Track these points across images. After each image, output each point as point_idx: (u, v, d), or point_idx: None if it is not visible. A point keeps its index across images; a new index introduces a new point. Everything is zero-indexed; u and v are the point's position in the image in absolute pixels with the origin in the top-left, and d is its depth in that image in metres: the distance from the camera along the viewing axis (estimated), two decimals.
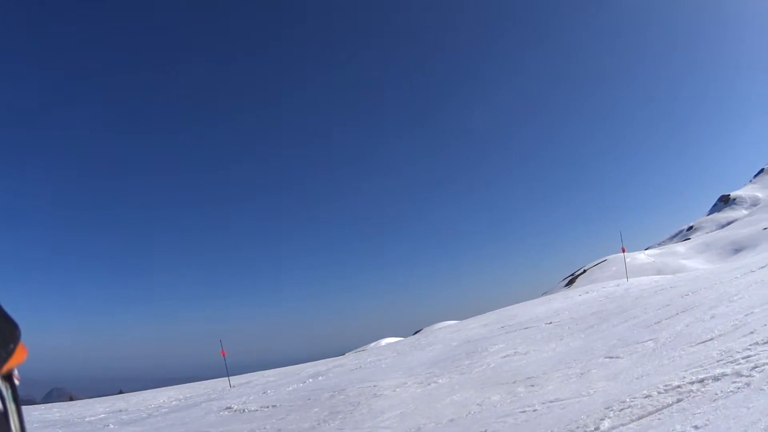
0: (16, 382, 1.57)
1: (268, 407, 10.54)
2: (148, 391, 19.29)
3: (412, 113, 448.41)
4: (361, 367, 13.89)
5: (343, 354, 28.04)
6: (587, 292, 18.21)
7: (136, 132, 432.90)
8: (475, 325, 16.86)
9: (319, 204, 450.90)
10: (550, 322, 13.10)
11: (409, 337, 29.57)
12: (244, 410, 10.70)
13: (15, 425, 1.50)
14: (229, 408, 11.09)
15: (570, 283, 45.01)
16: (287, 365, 20.60)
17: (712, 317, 8.19)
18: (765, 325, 6.41)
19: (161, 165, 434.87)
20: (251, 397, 12.15)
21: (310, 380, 13.08)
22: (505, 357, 10.36)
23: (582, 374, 7.47)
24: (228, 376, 16.41)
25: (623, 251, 24.12)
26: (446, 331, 18.77)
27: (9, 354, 1.33)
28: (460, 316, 32.40)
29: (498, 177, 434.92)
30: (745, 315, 7.37)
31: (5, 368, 1.31)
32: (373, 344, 42.03)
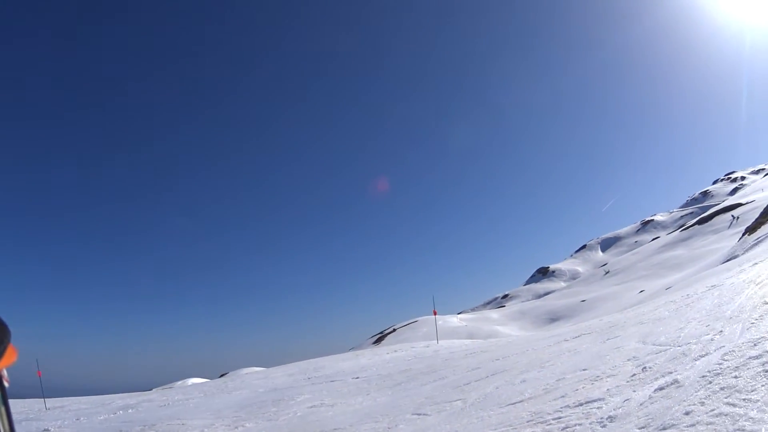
0: (6, 384, 1.80)
1: None
2: None
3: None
4: (168, 404, 15.21)
5: (150, 389, 30.90)
6: (396, 351, 20.53)
7: None
8: (280, 374, 18.22)
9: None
10: (357, 377, 14.30)
11: (215, 380, 32.40)
12: None
13: (4, 427, 1.71)
14: (47, 430, 12.18)
15: (379, 340, 49.02)
16: (97, 393, 22.74)
17: (523, 381, 8.90)
18: (576, 390, 7.08)
19: None
20: (66, 422, 13.24)
21: (121, 412, 14.32)
22: (311, 407, 11.29)
23: (389, 429, 8.03)
24: (44, 397, 18.19)
25: (435, 314, 25.94)
26: (252, 377, 20.31)
27: None
28: (266, 364, 36.92)
29: (307, 232, 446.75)
30: (557, 380, 8.10)
31: None
32: (180, 382, 45.17)
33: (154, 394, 20.39)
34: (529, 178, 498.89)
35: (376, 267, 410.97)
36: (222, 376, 42.24)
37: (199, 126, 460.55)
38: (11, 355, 1.65)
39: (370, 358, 18.89)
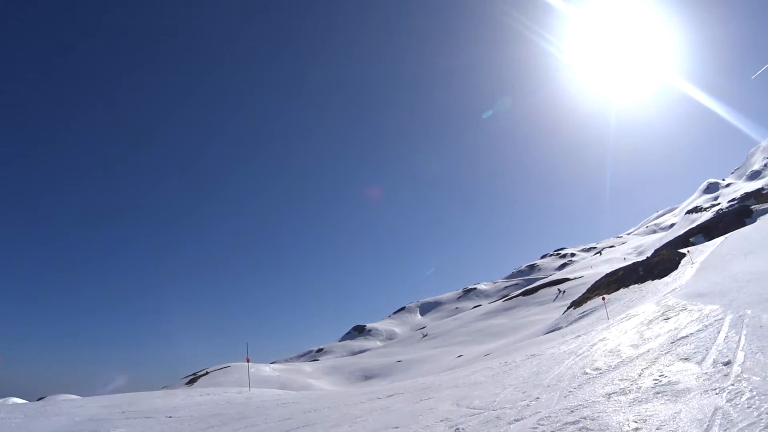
0: None
1: None
2: None
3: None
4: None
5: None
6: (209, 394, 19.39)
7: None
8: (96, 405, 17.24)
9: None
10: (171, 416, 13.95)
11: (34, 402, 30.10)
12: None
13: None
14: None
15: (191, 382, 49.08)
16: None
17: None
18: None
19: None
20: None
21: None
22: None
23: None
24: None
25: (248, 361, 25.47)
26: (69, 404, 18.79)
27: None
28: (81, 392, 36.70)
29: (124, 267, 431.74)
30: None
31: None
32: (1, 400, 41.84)
33: None
34: (352, 238, 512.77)
35: (190, 308, 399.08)
36: (40, 399, 40.57)
37: None
38: None
39: (183, 398, 18.18)
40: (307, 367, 56.71)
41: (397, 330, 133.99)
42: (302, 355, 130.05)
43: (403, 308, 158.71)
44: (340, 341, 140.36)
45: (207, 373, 49.35)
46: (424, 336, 68.63)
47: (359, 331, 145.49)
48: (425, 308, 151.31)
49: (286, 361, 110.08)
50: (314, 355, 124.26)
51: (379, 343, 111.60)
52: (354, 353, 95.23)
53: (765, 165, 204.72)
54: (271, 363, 66.93)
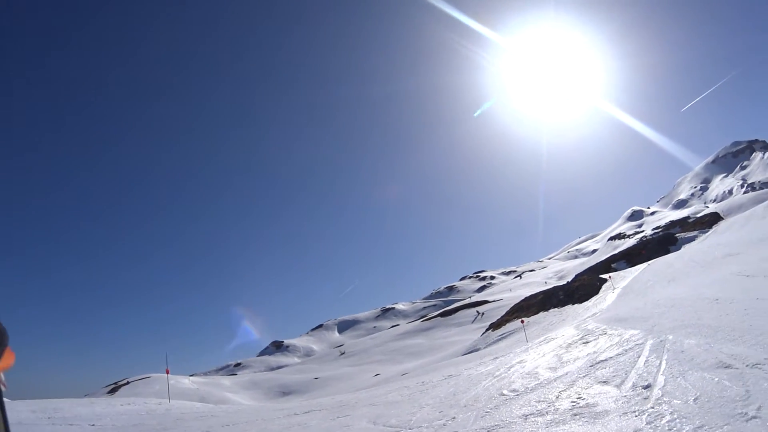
0: (3, 388, 1.78)
1: None
2: None
3: None
4: None
5: None
6: (129, 404, 19.57)
7: None
8: (24, 409, 17.31)
9: None
10: (94, 425, 14.19)
11: None
12: None
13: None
14: None
15: (113, 391, 47.59)
16: None
17: None
18: None
19: None
20: None
21: None
22: None
23: None
24: None
25: (167, 372, 25.65)
26: None
27: None
28: (10, 395, 31.46)
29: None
30: None
31: None
32: None
33: None
34: (271, 254, 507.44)
35: (111, 317, 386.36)
36: None
37: None
38: (8, 359, 1.59)
39: (105, 407, 18.36)
40: (226, 380, 55.99)
41: (315, 347, 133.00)
42: (221, 369, 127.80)
43: (321, 325, 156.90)
44: (258, 356, 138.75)
45: (128, 382, 48.34)
46: (342, 354, 68.27)
47: (277, 346, 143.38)
48: (343, 326, 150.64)
49: (205, 374, 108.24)
50: (232, 369, 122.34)
51: (297, 360, 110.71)
52: (272, 369, 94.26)
53: (692, 194, 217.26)
54: (191, 375, 66.17)
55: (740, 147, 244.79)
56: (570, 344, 13.80)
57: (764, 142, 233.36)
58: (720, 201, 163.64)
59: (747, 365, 6.61)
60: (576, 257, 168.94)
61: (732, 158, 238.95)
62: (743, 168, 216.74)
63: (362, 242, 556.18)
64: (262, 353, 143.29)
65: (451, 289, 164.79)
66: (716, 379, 6.34)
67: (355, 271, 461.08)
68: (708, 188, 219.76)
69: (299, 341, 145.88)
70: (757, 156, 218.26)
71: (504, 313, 46.21)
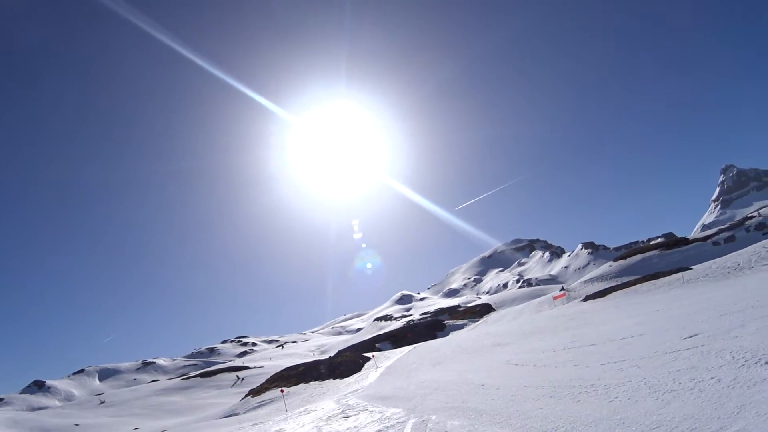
0: None
1: None
2: None
3: None
4: None
5: None
6: None
7: None
8: None
9: None
10: None
11: None
12: None
13: None
14: None
15: None
16: None
17: None
18: None
19: None
20: None
21: None
22: None
23: None
24: None
25: None
26: None
27: None
28: None
29: None
30: None
31: None
32: None
33: None
34: (34, 292, 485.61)
35: None
36: None
37: None
38: None
39: None
40: None
41: (75, 392, 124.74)
42: None
43: (82, 370, 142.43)
44: (20, 393, 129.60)
45: None
46: (102, 402, 64.89)
47: (39, 386, 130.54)
48: (104, 374, 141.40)
49: None
50: None
51: (57, 402, 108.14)
52: (33, 409, 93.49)
53: (465, 285, 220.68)
54: None
55: (521, 245, 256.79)
56: (330, 417, 13.89)
57: (545, 241, 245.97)
58: (494, 293, 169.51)
59: None
60: (340, 333, 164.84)
61: (511, 254, 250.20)
62: (521, 264, 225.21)
63: (127, 292, 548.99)
64: (24, 391, 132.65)
65: (212, 351, 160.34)
66: None
67: (118, 320, 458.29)
68: (482, 280, 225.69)
69: (60, 383, 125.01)
70: (537, 254, 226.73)
71: (264, 380, 44.85)
